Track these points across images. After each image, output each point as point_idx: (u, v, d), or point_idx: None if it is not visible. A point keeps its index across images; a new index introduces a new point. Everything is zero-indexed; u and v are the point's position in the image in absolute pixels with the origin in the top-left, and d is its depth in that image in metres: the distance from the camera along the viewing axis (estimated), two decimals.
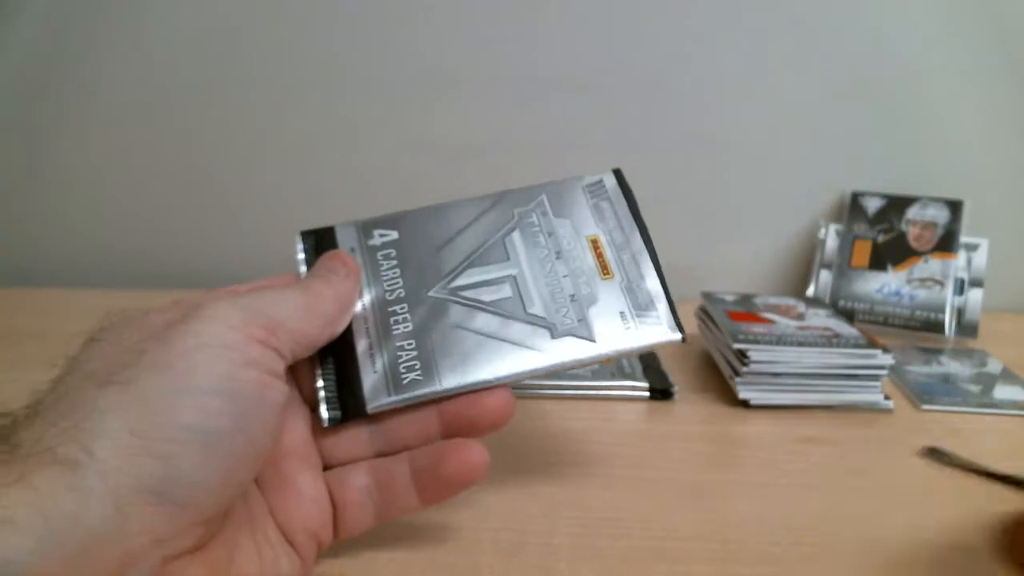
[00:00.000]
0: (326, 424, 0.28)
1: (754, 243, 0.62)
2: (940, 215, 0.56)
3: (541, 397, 0.44)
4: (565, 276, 0.31)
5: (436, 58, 0.57)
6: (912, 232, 0.57)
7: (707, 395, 0.45)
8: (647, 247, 0.32)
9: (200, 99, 0.59)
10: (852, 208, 0.58)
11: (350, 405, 0.29)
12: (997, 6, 0.55)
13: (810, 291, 0.58)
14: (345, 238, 0.32)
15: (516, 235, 0.32)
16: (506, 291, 0.31)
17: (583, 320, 0.30)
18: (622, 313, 0.30)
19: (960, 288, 0.55)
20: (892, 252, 0.57)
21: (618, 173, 0.34)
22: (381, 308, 0.30)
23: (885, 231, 0.57)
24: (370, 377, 0.29)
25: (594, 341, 0.30)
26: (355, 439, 0.29)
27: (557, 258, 0.31)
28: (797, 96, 0.58)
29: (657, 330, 0.30)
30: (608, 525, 0.33)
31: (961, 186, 0.57)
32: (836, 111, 0.58)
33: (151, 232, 0.62)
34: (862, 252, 0.57)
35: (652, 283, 0.31)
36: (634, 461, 0.38)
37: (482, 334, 0.30)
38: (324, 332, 0.28)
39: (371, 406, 0.28)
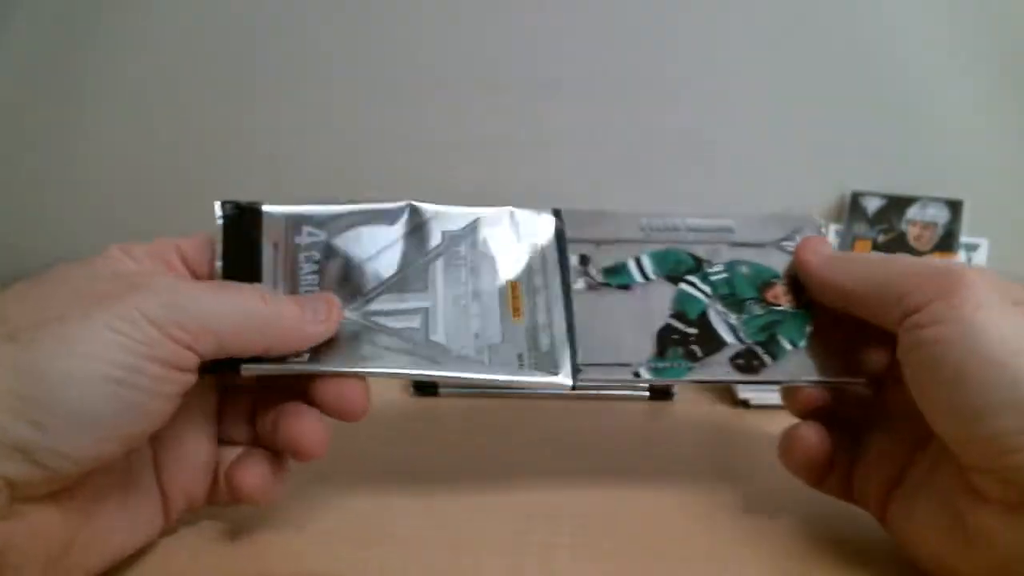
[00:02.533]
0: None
1: None
2: (940, 215, 0.57)
3: (540, 396, 0.44)
4: (476, 315, 0.31)
5: (433, 58, 0.57)
6: (912, 232, 0.57)
7: (707, 395, 0.45)
8: (564, 295, 0.32)
9: (199, 100, 0.59)
10: (852, 208, 0.58)
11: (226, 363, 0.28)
12: (998, 6, 0.55)
13: None
14: (271, 226, 0.31)
15: (440, 264, 0.32)
16: (415, 322, 0.30)
17: (481, 352, 0.30)
18: (520, 356, 0.30)
19: None
20: (892, 252, 0.57)
21: (557, 213, 0.34)
22: None
23: (885, 231, 0.57)
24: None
25: (486, 365, 0.30)
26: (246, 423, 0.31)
27: (473, 299, 0.31)
28: (797, 96, 0.58)
29: (550, 376, 0.30)
30: (609, 524, 0.33)
31: (961, 186, 0.57)
32: (836, 111, 0.58)
33: (151, 231, 0.62)
34: (862, 252, 0.57)
35: (559, 330, 0.31)
36: (634, 460, 0.38)
37: (380, 347, 0.30)
38: (266, 352, 0.28)
39: (244, 368, 0.28)
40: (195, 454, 0.30)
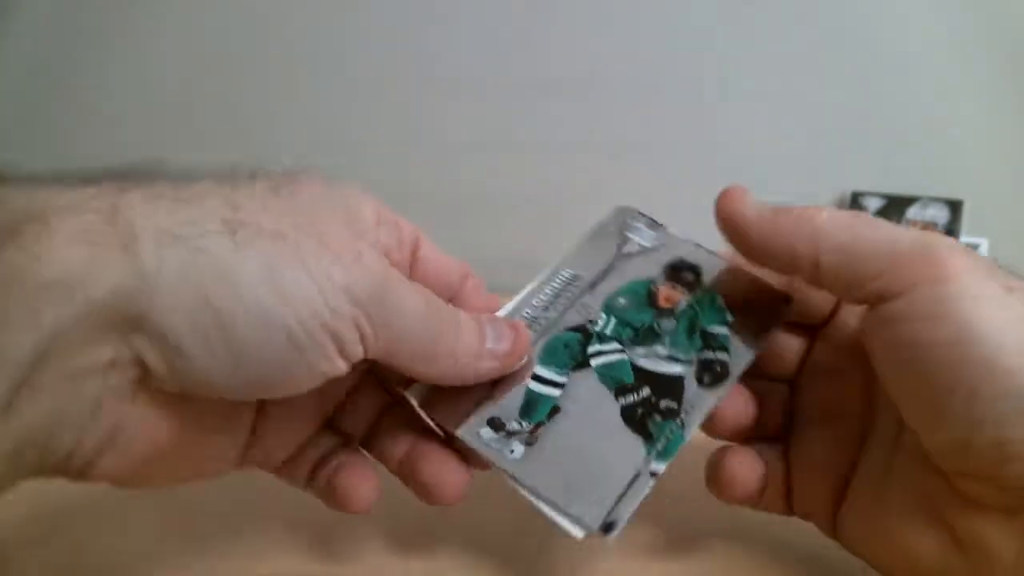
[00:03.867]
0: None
1: None
2: (940, 215, 0.56)
3: None
4: None
5: (436, 58, 0.57)
6: None
7: None
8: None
9: (202, 99, 0.59)
10: (852, 208, 0.58)
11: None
12: (998, 7, 0.55)
13: None
14: None
15: None
16: None
17: None
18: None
19: None
20: None
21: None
22: None
23: None
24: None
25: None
26: (368, 411, 0.29)
27: None
28: (797, 96, 0.58)
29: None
30: None
31: (961, 186, 0.57)
32: (836, 111, 0.58)
33: None
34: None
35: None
36: None
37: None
38: (420, 376, 0.25)
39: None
40: (298, 421, 0.27)
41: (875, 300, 0.24)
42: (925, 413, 0.23)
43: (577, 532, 0.25)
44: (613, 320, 0.29)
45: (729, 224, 0.28)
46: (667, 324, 0.29)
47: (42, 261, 0.19)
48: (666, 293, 0.30)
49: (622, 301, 0.30)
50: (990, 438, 0.22)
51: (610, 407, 0.28)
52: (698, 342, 0.29)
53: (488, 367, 0.26)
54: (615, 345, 0.29)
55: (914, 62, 0.56)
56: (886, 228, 0.24)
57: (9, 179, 0.21)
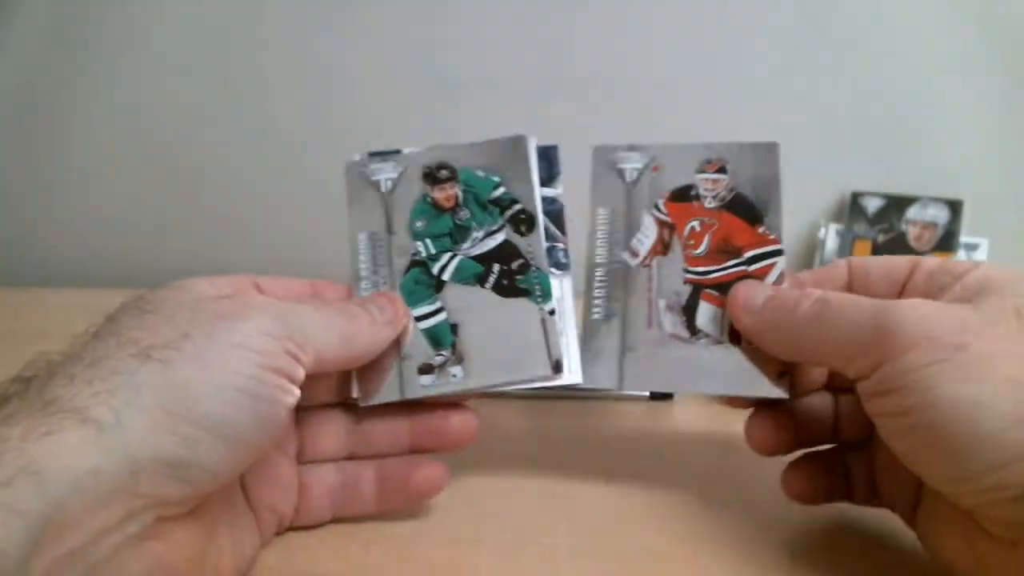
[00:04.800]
0: (362, 405, 0.32)
1: None
2: (940, 215, 0.56)
3: (540, 396, 0.44)
4: None
5: (437, 59, 0.57)
6: (912, 232, 0.57)
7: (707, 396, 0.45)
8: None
9: (201, 101, 0.59)
10: (852, 208, 0.58)
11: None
12: (998, 8, 0.55)
13: None
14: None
15: None
16: None
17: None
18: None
19: None
20: (892, 252, 0.57)
21: None
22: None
23: (885, 231, 0.57)
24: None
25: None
26: (334, 437, 0.32)
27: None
28: (797, 96, 0.58)
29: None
30: (608, 526, 0.33)
31: (961, 186, 0.57)
32: (836, 111, 0.58)
33: (151, 232, 0.62)
34: (862, 252, 0.57)
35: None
36: (634, 461, 0.38)
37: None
38: (347, 363, 0.30)
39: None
40: (276, 473, 0.31)
41: (856, 379, 0.27)
42: (919, 469, 0.26)
43: (547, 380, 0.32)
44: (428, 241, 0.34)
45: (736, 323, 0.32)
46: (463, 215, 0.34)
47: (1, 463, 0.20)
48: (441, 196, 0.34)
49: (420, 224, 0.34)
50: (979, 487, 0.23)
51: (485, 295, 0.33)
52: (494, 210, 0.34)
53: (388, 333, 0.31)
54: (448, 255, 0.34)
55: (914, 62, 0.56)
56: (849, 313, 0.27)
57: None
